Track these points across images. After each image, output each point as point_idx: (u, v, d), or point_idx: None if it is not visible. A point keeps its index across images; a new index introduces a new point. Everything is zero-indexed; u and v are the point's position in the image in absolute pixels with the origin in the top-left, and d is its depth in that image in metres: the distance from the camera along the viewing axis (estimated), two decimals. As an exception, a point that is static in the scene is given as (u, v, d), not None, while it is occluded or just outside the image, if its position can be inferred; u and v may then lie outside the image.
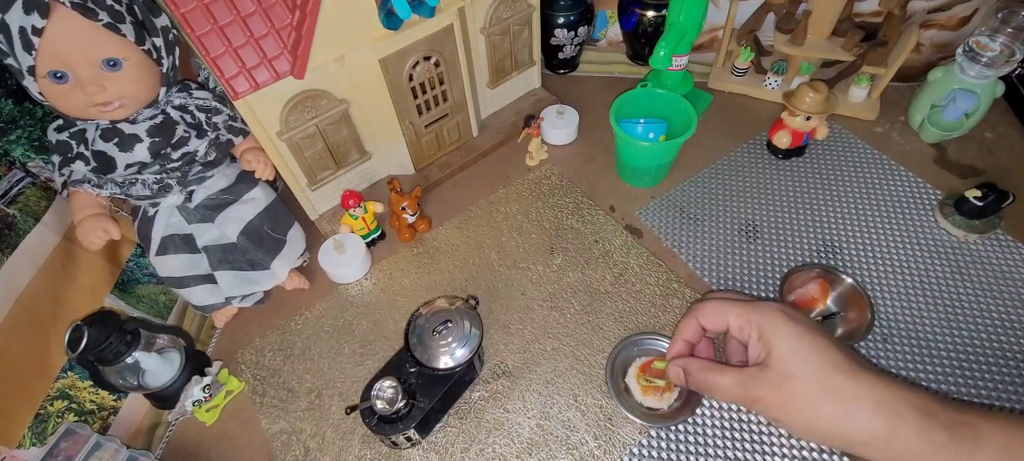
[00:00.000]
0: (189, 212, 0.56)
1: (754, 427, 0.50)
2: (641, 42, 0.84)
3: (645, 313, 0.58)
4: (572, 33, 0.81)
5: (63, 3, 0.41)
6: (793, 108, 0.65)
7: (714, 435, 0.50)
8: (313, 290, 0.65)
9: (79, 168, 0.50)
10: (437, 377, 0.49)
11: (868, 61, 0.70)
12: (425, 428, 0.51)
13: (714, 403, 0.52)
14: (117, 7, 0.44)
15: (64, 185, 0.51)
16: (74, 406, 0.50)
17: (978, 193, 0.58)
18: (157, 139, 0.50)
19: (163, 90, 0.51)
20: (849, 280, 0.56)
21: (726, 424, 0.50)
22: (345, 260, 0.63)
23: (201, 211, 0.57)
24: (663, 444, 0.50)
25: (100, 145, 0.49)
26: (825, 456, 0.48)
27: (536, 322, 0.59)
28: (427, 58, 0.62)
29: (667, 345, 0.43)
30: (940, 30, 0.75)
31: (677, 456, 0.49)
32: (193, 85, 0.55)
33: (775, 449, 0.49)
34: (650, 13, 0.79)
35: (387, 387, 0.46)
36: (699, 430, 0.50)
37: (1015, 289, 0.56)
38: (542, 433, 0.51)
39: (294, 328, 0.61)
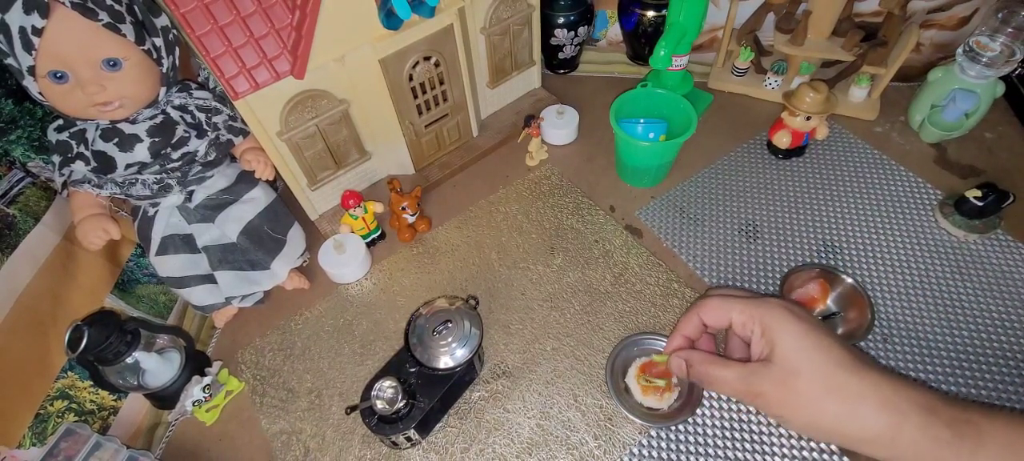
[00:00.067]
0: (189, 212, 0.56)
1: (754, 427, 0.50)
2: (641, 42, 0.84)
3: (645, 313, 0.58)
4: (572, 33, 0.81)
5: (63, 3, 0.41)
6: (793, 108, 0.65)
7: (714, 435, 0.50)
8: (313, 290, 0.65)
9: (79, 168, 0.50)
10: (437, 377, 0.49)
11: (868, 61, 0.70)
12: (425, 428, 0.51)
13: (714, 404, 0.52)
14: (117, 7, 0.44)
15: (64, 185, 0.51)
16: (74, 406, 0.50)
17: (978, 193, 0.58)
18: (157, 139, 0.50)
19: (163, 90, 0.51)
20: (849, 280, 0.56)
21: (726, 424, 0.50)
22: (345, 260, 0.63)
23: (201, 211, 0.57)
24: (663, 444, 0.50)
25: (100, 145, 0.49)
26: (825, 456, 0.48)
27: (536, 322, 0.59)
28: (427, 58, 0.62)
29: (669, 337, 0.43)
30: (940, 30, 0.75)
31: (677, 456, 0.49)
32: (193, 85, 0.55)
33: (775, 449, 0.49)
34: (650, 13, 0.79)
35: (387, 387, 0.46)
36: (699, 430, 0.50)
37: (1015, 289, 0.56)
38: (542, 433, 0.51)
39: (294, 328, 0.61)
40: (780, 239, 0.64)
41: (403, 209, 0.65)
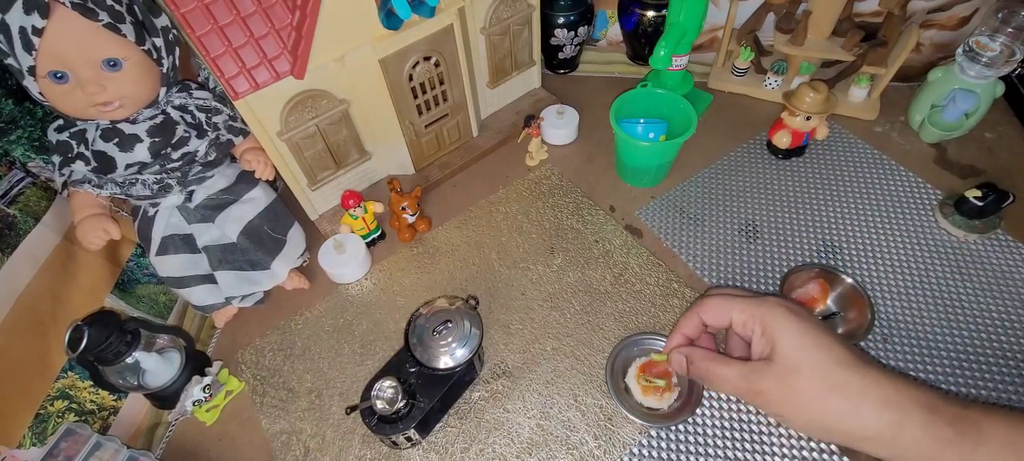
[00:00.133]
0: (189, 212, 0.56)
1: (754, 427, 0.50)
2: (641, 42, 0.84)
3: (645, 313, 0.58)
4: (572, 33, 0.81)
5: (63, 3, 0.41)
6: (793, 108, 0.65)
7: (714, 435, 0.50)
8: (313, 290, 0.65)
9: (79, 168, 0.50)
10: (437, 377, 0.49)
11: (868, 61, 0.70)
12: (425, 428, 0.51)
13: (714, 403, 0.52)
14: (117, 7, 0.44)
15: (64, 185, 0.51)
16: (74, 406, 0.50)
17: (978, 193, 0.58)
18: (157, 139, 0.50)
19: (163, 90, 0.51)
20: (849, 280, 0.56)
21: (726, 424, 0.50)
22: (345, 260, 0.63)
23: (201, 211, 0.57)
24: (663, 444, 0.50)
25: (100, 145, 0.49)
26: (825, 456, 0.48)
27: (536, 322, 0.59)
28: (427, 58, 0.62)
29: (669, 336, 0.43)
30: (940, 30, 0.75)
31: (677, 456, 0.49)
32: (193, 85, 0.55)
33: (775, 449, 0.49)
34: (650, 13, 0.79)
35: (387, 387, 0.46)
36: (699, 430, 0.50)
37: (1015, 289, 0.56)
38: (542, 433, 0.51)
39: (294, 328, 0.61)
40: (780, 239, 0.64)
41: (403, 209, 0.65)
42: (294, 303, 0.64)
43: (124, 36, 0.45)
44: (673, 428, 0.50)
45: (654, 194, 0.70)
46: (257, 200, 0.60)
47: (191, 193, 0.56)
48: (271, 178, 0.60)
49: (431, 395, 0.49)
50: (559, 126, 0.75)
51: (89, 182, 0.51)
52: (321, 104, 0.59)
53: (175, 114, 0.52)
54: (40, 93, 0.45)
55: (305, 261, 0.67)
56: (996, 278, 0.57)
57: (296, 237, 0.64)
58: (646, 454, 0.49)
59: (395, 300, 0.62)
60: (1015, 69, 0.69)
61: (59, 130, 0.49)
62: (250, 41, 0.51)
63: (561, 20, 0.80)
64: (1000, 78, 0.65)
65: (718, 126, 0.76)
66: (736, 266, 0.62)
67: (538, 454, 0.50)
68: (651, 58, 0.68)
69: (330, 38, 0.53)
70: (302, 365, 0.58)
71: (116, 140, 0.49)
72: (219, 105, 0.56)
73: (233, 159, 0.60)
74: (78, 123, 0.49)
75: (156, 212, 0.56)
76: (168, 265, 0.56)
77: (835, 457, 0.48)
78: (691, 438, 0.50)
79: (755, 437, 0.49)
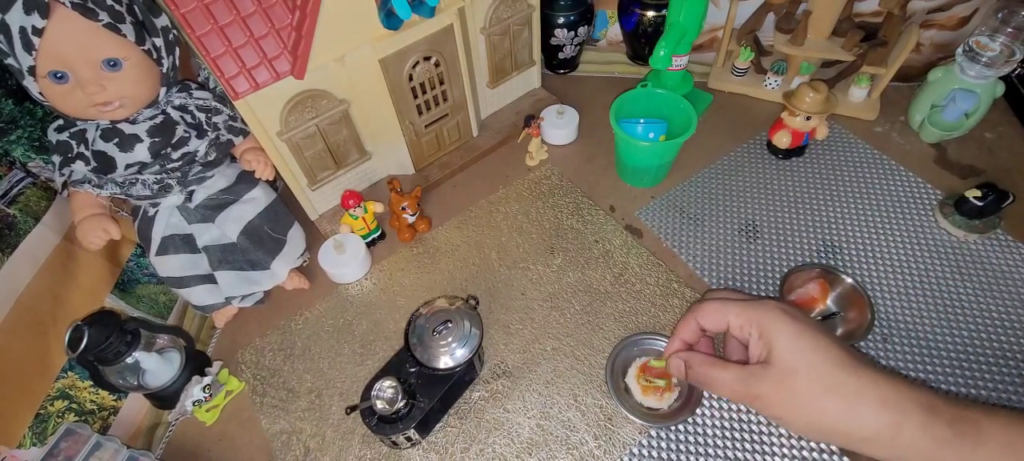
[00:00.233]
0: (189, 212, 0.56)
1: (754, 427, 0.50)
2: (641, 42, 0.84)
3: (645, 313, 0.58)
4: (572, 33, 0.81)
5: (63, 3, 0.41)
6: (793, 108, 0.65)
7: (714, 435, 0.50)
8: (313, 290, 0.65)
9: (79, 168, 0.50)
10: (437, 377, 0.49)
11: (868, 61, 0.70)
12: (425, 428, 0.51)
13: (714, 404, 0.52)
14: (117, 7, 0.44)
15: (64, 185, 0.51)
16: (74, 406, 0.50)
17: (978, 193, 0.58)
18: (157, 139, 0.50)
19: (163, 90, 0.51)
20: (849, 280, 0.56)
21: (726, 424, 0.50)
22: (345, 260, 0.63)
23: (201, 211, 0.57)
24: (663, 444, 0.50)
25: (100, 145, 0.49)
26: (825, 456, 0.48)
27: (536, 322, 0.59)
28: (427, 58, 0.62)
29: (667, 341, 0.43)
30: (940, 30, 0.75)
31: (677, 456, 0.49)
32: (193, 85, 0.55)
33: (775, 449, 0.49)
34: (650, 13, 0.79)
35: (387, 387, 0.46)
36: (699, 430, 0.50)
37: (1015, 289, 0.56)
38: (542, 433, 0.51)
39: (294, 328, 0.61)
40: (780, 239, 0.64)
41: (403, 209, 0.65)
42: (294, 303, 0.64)
43: (124, 36, 0.45)
44: (673, 428, 0.51)
45: (654, 194, 0.70)
46: (257, 200, 0.60)
47: (191, 193, 0.56)
48: (271, 178, 0.60)
49: (431, 395, 0.49)
50: (559, 126, 0.75)
51: (89, 182, 0.51)
52: (321, 104, 0.59)
53: (175, 114, 0.52)
54: (40, 93, 0.45)
55: (305, 261, 0.67)
56: (996, 278, 0.57)
57: (296, 237, 0.64)
58: (646, 454, 0.49)
59: (395, 300, 0.62)
60: (1015, 69, 0.69)
61: (59, 130, 0.49)
62: (250, 41, 0.51)
63: (561, 20, 0.80)
64: (1000, 78, 0.65)
65: (718, 126, 0.76)
66: (736, 266, 0.62)
67: (538, 454, 0.50)
68: (651, 58, 0.68)
69: (330, 38, 0.53)
70: (302, 365, 0.58)
71: (116, 140, 0.49)
72: (219, 105, 0.56)
73: (233, 159, 0.60)
74: (78, 123, 0.49)
75: (156, 212, 0.56)
76: (168, 265, 0.56)
77: (835, 457, 0.48)
78: (691, 438, 0.50)
79: (755, 437, 0.49)
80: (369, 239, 0.67)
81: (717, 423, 0.51)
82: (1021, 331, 0.53)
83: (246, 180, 0.60)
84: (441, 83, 0.66)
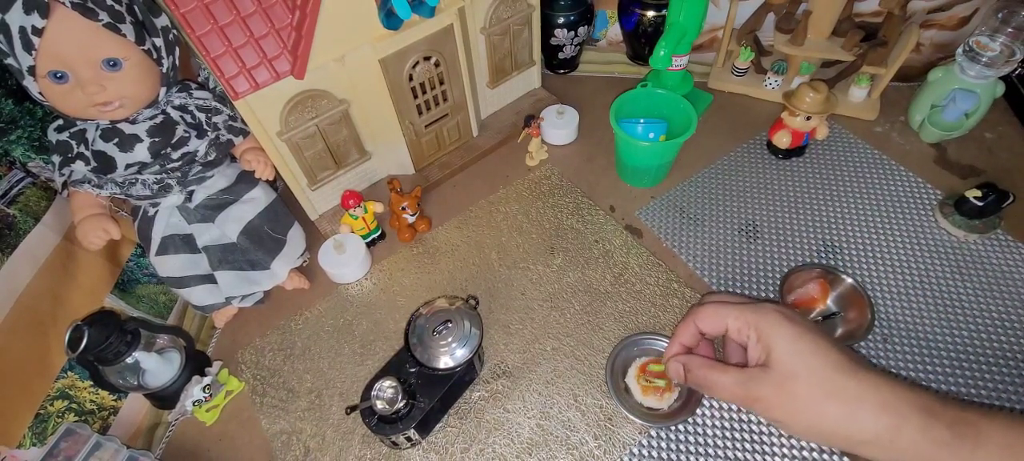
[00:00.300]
0: (189, 212, 0.56)
1: (754, 427, 0.50)
2: (641, 42, 0.84)
3: (645, 313, 0.58)
4: (572, 33, 0.81)
5: (63, 3, 0.41)
6: (793, 108, 0.65)
7: (714, 435, 0.50)
8: (313, 290, 0.65)
9: (79, 168, 0.50)
10: (437, 377, 0.49)
11: (868, 61, 0.70)
12: (425, 428, 0.51)
13: (714, 403, 0.52)
14: (117, 7, 0.44)
15: (64, 185, 0.51)
16: (74, 406, 0.50)
17: (978, 193, 0.58)
18: (157, 139, 0.50)
19: (163, 90, 0.51)
20: (849, 280, 0.56)
21: (726, 424, 0.50)
22: (345, 260, 0.63)
23: (201, 211, 0.57)
24: (663, 444, 0.50)
25: (100, 145, 0.49)
26: (824, 456, 0.48)
27: (536, 322, 0.59)
28: (427, 58, 0.62)
29: (667, 345, 0.43)
30: (940, 30, 0.75)
31: (677, 456, 0.49)
32: (193, 85, 0.55)
33: (775, 449, 0.49)
34: (650, 13, 0.79)
35: (387, 387, 0.46)
36: (699, 430, 0.50)
37: (1015, 289, 0.56)
38: (542, 433, 0.51)
39: (294, 328, 0.61)
40: (780, 239, 0.64)
41: (403, 209, 0.65)
42: (294, 303, 0.64)
43: (124, 36, 0.45)
44: (673, 428, 0.51)
45: (654, 194, 0.70)
46: (257, 200, 0.60)
47: (191, 193, 0.56)
48: (271, 178, 0.60)
49: (431, 395, 0.49)
50: (559, 126, 0.75)
51: (89, 182, 0.51)
52: (321, 104, 0.59)
53: (175, 114, 0.52)
54: (40, 93, 0.45)
55: (305, 261, 0.67)
56: (996, 278, 0.57)
57: (296, 237, 0.64)
58: (646, 454, 0.49)
59: (395, 300, 0.62)
60: (1015, 69, 0.69)
61: (59, 130, 0.49)
62: (250, 41, 0.51)
63: (561, 20, 0.80)
64: (1000, 78, 0.65)
65: (718, 126, 0.76)
66: (736, 266, 0.62)
67: (538, 454, 0.50)
68: (651, 58, 0.68)
69: (330, 38, 0.53)
70: (302, 365, 0.58)
71: (116, 140, 0.49)
72: (219, 105, 0.56)
73: (233, 159, 0.60)
74: (78, 123, 0.49)
75: (156, 212, 0.56)
76: (168, 265, 0.56)
77: (835, 457, 0.48)
78: (691, 438, 0.50)
79: (755, 437, 0.49)
80: (369, 239, 0.67)
81: (717, 423, 0.51)
82: (1021, 331, 0.53)
83: (246, 180, 0.60)
84: (441, 83, 0.66)
